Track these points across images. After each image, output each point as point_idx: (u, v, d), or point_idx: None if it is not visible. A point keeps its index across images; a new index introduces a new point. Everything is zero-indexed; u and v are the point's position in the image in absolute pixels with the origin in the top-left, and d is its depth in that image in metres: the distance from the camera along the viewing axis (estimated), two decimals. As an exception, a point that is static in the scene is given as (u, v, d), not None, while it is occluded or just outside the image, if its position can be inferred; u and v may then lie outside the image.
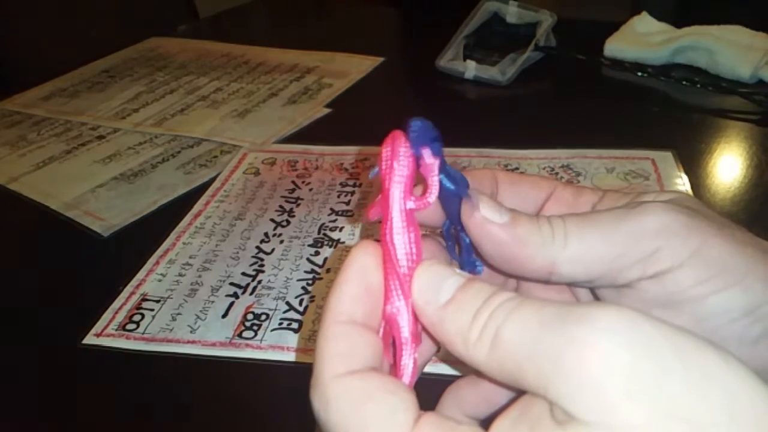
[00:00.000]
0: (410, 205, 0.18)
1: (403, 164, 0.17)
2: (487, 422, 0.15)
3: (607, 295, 0.20)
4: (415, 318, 0.17)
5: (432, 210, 0.21)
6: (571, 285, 0.21)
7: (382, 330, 0.18)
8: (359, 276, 0.17)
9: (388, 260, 0.17)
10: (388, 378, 0.16)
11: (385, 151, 0.18)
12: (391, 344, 0.18)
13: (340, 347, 0.16)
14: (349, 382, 0.16)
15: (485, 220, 0.19)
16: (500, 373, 0.15)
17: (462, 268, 0.21)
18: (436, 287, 0.17)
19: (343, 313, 0.17)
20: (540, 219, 0.19)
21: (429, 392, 0.16)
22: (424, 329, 0.17)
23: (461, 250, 0.21)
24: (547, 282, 0.20)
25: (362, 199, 0.48)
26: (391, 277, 0.17)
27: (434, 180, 0.18)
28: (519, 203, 0.22)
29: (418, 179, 0.19)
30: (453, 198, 0.19)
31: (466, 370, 0.23)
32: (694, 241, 0.18)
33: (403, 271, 0.17)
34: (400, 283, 0.17)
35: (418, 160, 0.18)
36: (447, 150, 0.18)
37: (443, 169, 0.18)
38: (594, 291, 0.21)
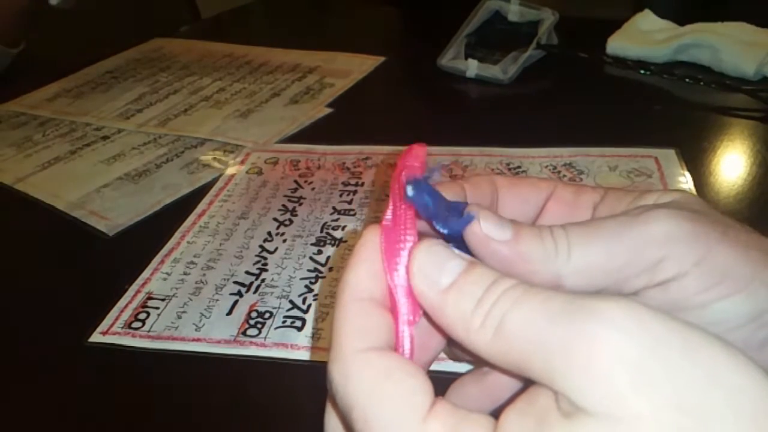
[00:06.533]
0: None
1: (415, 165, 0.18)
2: (493, 416, 0.15)
3: None
4: (413, 297, 0.17)
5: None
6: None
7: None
8: (375, 256, 0.18)
9: (386, 241, 0.18)
10: (407, 360, 0.16)
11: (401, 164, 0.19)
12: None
13: (362, 323, 0.17)
14: (371, 358, 0.16)
15: (487, 237, 0.18)
16: (503, 361, 0.15)
17: None
18: (437, 270, 0.17)
19: (364, 290, 0.17)
20: (542, 231, 0.19)
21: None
22: (425, 314, 0.18)
23: None
24: None
25: (364, 198, 0.48)
26: (387, 256, 0.18)
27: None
28: (520, 206, 0.22)
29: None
30: (452, 217, 0.19)
31: (477, 363, 0.23)
32: (699, 248, 0.18)
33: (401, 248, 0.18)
34: (387, 262, 0.17)
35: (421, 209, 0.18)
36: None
37: (436, 201, 0.18)
38: None
